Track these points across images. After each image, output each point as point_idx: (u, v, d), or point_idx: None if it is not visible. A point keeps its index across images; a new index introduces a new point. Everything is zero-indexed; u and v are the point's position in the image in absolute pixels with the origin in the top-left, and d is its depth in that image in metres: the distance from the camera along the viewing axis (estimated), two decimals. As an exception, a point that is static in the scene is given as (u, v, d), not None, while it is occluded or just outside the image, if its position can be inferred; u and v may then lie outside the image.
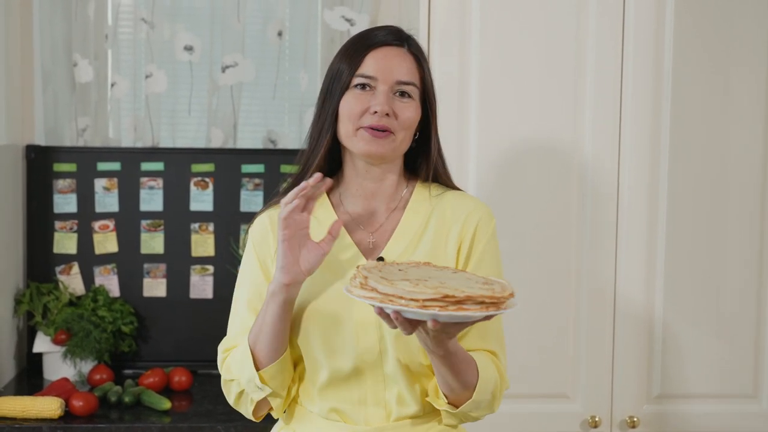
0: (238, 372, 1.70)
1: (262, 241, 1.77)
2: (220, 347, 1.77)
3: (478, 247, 1.76)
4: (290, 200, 1.61)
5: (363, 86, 1.70)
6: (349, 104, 1.70)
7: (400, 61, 1.72)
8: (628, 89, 2.47)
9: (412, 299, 1.43)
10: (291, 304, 1.66)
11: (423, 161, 1.81)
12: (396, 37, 1.74)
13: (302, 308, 1.70)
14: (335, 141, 1.75)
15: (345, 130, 1.72)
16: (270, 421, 1.90)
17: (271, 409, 1.75)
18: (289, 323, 1.67)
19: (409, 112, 1.71)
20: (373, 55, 1.71)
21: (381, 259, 1.73)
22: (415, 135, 1.77)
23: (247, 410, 1.75)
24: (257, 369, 1.67)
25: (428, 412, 1.74)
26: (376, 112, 1.68)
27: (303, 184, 1.61)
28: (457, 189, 1.84)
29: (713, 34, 2.48)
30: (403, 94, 1.71)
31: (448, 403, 1.68)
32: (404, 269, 1.57)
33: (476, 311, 1.44)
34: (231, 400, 1.76)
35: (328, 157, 1.75)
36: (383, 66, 1.70)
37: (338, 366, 1.70)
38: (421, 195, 1.80)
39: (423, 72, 1.75)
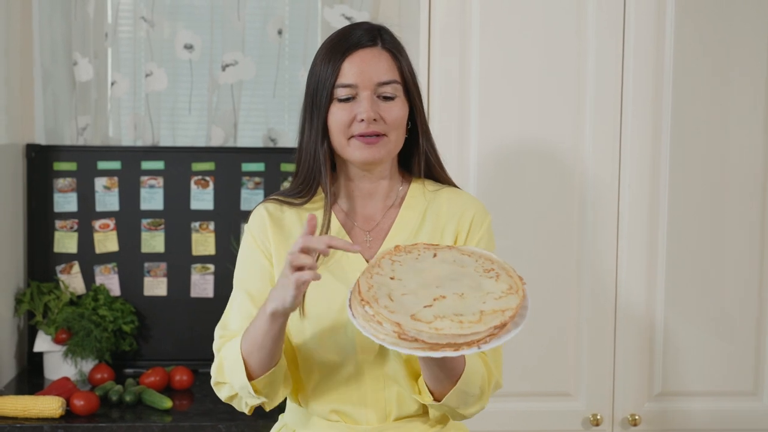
0: (230, 377, 1.68)
1: (262, 234, 1.76)
2: (218, 332, 1.75)
3: (473, 241, 1.77)
4: (310, 263, 1.51)
5: (346, 95, 1.69)
6: (337, 116, 1.70)
7: (377, 62, 1.71)
8: (629, 89, 2.47)
9: (465, 343, 1.43)
10: (287, 321, 1.62)
11: (415, 156, 1.81)
12: (369, 37, 1.72)
13: (296, 318, 1.70)
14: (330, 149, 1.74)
15: (338, 142, 1.71)
16: (271, 419, 1.90)
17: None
18: (284, 336, 1.65)
19: (395, 111, 1.71)
20: (350, 61, 1.70)
21: None
22: (408, 126, 1.76)
23: (240, 409, 1.73)
24: (250, 378, 1.64)
25: (428, 411, 1.74)
26: (363, 120, 1.68)
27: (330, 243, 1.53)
28: (453, 185, 1.84)
29: (714, 36, 2.48)
30: (386, 94, 1.70)
31: (434, 399, 1.67)
32: (400, 275, 1.54)
33: (514, 329, 1.48)
34: (222, 397, 1.74)
35: (330, 166, 1.75)
36: (361, 71, 1.69)
37: (338, 367, 1.70)
38: (417, 191, 1.80)
39: (402, 66, 1.74)
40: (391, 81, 1.71)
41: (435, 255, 1.59)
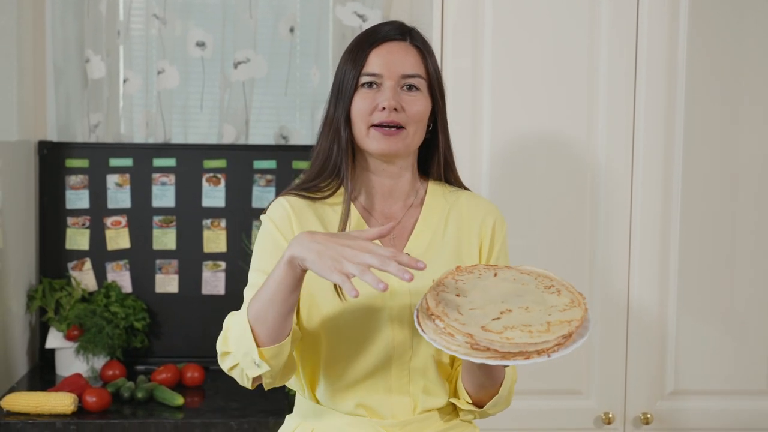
0: (234, 345, 1.61)
1: (285, 223, 1.73)
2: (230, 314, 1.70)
3: (495, 248, 1.79)
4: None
5: (370, 84, 1.70)
6: (358, 104, 1.70)
7: (404, 55, 1.72)
8: (641, 85, 2.46)
9: (535, 351, 1.45)
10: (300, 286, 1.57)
11: (434, 157, 1.81)
12: (398, 32, 1.74)
13: (334, 304, 1.69)
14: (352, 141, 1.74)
15: (358, 131, 1.72)
16: (282, 417, 1.90)
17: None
18: (295, 308, 1.60)
19: (418, 105, 1.71)
20: (377, 52, 1.71)
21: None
22: (429, 127, 1.77)
23: (242, 382, 1.66)
24: (258, 345, 1.58)
25: (452, 404, 1.75)
26: (384, 108, 1.68)
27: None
28: (467, 189, 1.85)
29: (727, 35, 2.47)
30: (410, 87, 1.71)
31: (472, 402, 1.70)
32: (465, 293, 1.56)
33: (579, 339, 1.49)
34: (225, 368, 1.67)
35: (353, 160, 1.75)
36: (387, 61, 1.70)
37: (368, 360, 1.69)
38: (436, 192, 1.81)
39: (428, 63, 1.75)
40: (416, 75, 1.71)
41: (495, 275, 1.62)
